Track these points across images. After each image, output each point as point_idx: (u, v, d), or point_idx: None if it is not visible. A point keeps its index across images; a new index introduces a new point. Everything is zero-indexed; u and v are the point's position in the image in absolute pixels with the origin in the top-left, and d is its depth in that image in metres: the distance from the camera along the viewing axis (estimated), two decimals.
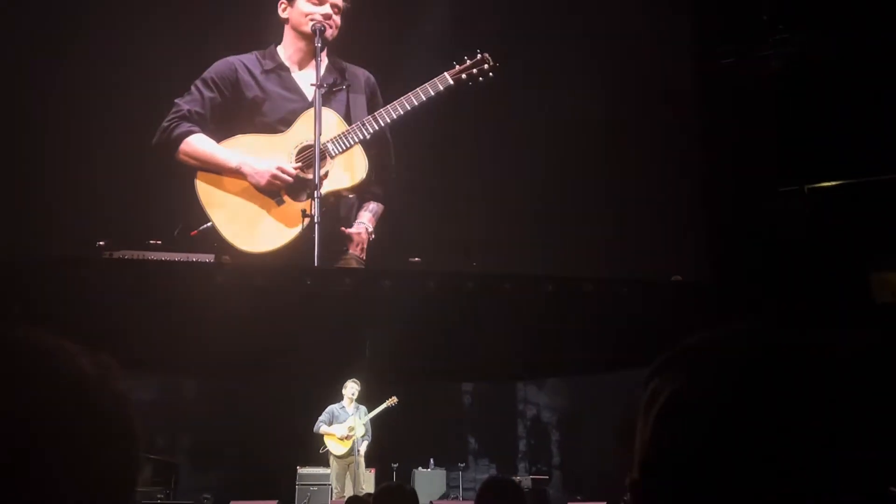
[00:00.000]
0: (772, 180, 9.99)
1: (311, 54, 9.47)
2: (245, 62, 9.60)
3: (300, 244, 9.30)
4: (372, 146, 9.57)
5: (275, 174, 9.36)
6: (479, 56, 9.29)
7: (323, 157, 9.25)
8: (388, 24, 9.97)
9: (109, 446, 0.69)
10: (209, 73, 9.51)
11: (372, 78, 9.71)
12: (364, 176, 9.49)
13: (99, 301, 9.19)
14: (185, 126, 9.39)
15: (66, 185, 9.23)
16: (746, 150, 9.88)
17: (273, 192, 9.43)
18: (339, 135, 9.38)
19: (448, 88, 9.30)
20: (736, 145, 9.94)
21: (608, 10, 10.31)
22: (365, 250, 9.54)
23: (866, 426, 0.62)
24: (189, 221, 9.37)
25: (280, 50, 9.61)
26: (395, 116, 9.33)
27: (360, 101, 9.62)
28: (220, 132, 9.50)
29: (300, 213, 9.24)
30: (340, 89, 9.64)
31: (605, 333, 9.91)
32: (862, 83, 9.53)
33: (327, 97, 9.59)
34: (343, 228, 9.43)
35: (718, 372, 0.67)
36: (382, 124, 9.39)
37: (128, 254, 9.33)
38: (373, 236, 9.55)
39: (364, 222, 9.55)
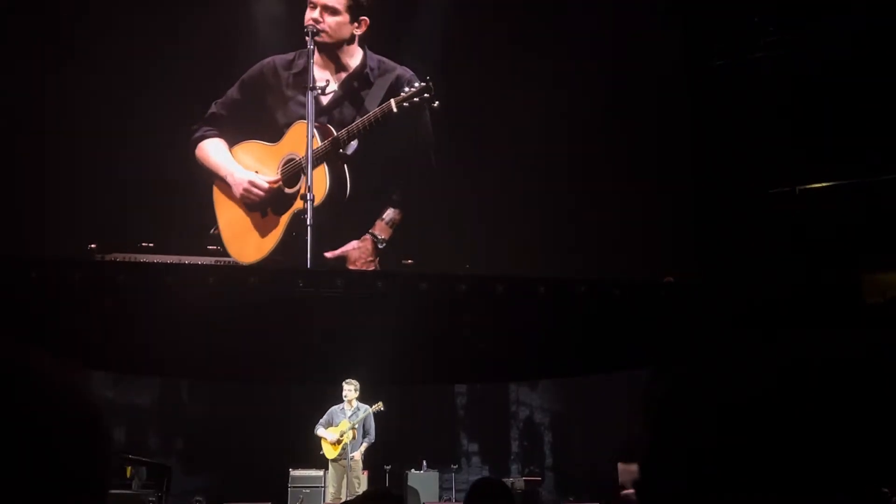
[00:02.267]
0: (763, 182, 10.01)
1: (324, 58, 9.57)
2: (278, 63, 9.73)
3: (275, 257, 9.44)
4: (407, 152, 9.70)
5: (246, 187, 9.51)
6: (423, 84, 9.37)
7: (300, 173, 9.37)
8: (385, 22, 10.00)
9: (81, 450, 0.70)
10: (246, 73, 9.73)
11: (406, 76, 9.71)
12: (326, 193, 9.53)
13: (90, 303, 9.16)
14: (202, 129, 9.60)
15: (59, 188, 9.21)
16: (738, 152, 9.91)
17: (255, 204, 9.54)
18: (308, 151, 9.42)
19: (392, 115, 9.39)
20: (727, 147, 9.97)
21: (601, 13, 10.34)
22: (375, 261, 9.61)
23: (861, 427, 0.63)
24: (209, 222, 9.52)
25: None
26: (346, 139, 9.47)
27: (372, 103, 9.65)
28: (241, 135, 9.63)
29: (276, 227, 9.40)
30: (337, 92, 9.67)
31: (598, 334, 9.92)
32: (851, 85, 9.57)
33: (338, 102, 9.68)
34: (326, 253, 9.44)
35: (717, 374, 0.67)
36: (343, 142, 9.49)
37: (119, 256, 9.32)
38: (381, 245, 9.60)
39: (374, 232, 9.63)
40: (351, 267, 9.60)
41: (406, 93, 9.40)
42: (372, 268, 9.64)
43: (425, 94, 9.33)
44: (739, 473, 0.62)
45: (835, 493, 0.61)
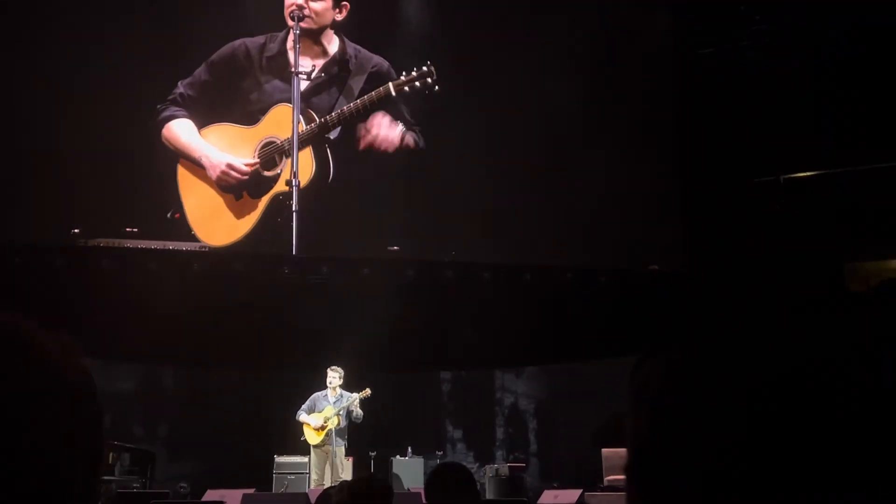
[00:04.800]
0: (748, 170, 10.04)
1: (305, 43, 9.51)
2: (249, 46, 9.61)
3: (249, 241, 9.40)
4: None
5: (224, 170, 9.42)
6: (424, 69, 9.29)
7: (282, 156, 9.31)
8: (372, 15, 9.96)
9: (79, 421, 0.68)
10: (215, 55, 9.59)
11: (385, 65, 9.67)
12: (311, 176, 9.49)
13: (73, 290, 9.10)
14: (171, 110, 9.43)
15: (42, 172, 9.13)
16: (723, 141, 9.93)
17: (230, 186, 9.47)
18: (293, 135, 9.36)
19: (390, 99, 9.36)
20: (713, 136, 9.99)
21: (588, 1, 10.32)
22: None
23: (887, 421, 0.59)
24: (173, 204, 9.43)
25: (289, 38, 9.60)
26: (339, 122, 9.44)
27: (355, 89, 9.60)
28: (210, 117, 9.52)
29: (254, 211, 9.36)
30: (320, 78, 9.60)
31: (583, 322, 9.95)
32: (838, 73, 9.60)
33: (318, 87, 9.59)
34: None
35: (722, 362, 0.65)
36: (331, 127, 9.44)
37: (103, 241, 9.26)
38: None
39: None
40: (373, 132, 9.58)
41: (406, 77, 9.33)
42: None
43: (428, 79, 9.27)
44: (751, 471, 0.59)
45: (857, 493, 0.58)
